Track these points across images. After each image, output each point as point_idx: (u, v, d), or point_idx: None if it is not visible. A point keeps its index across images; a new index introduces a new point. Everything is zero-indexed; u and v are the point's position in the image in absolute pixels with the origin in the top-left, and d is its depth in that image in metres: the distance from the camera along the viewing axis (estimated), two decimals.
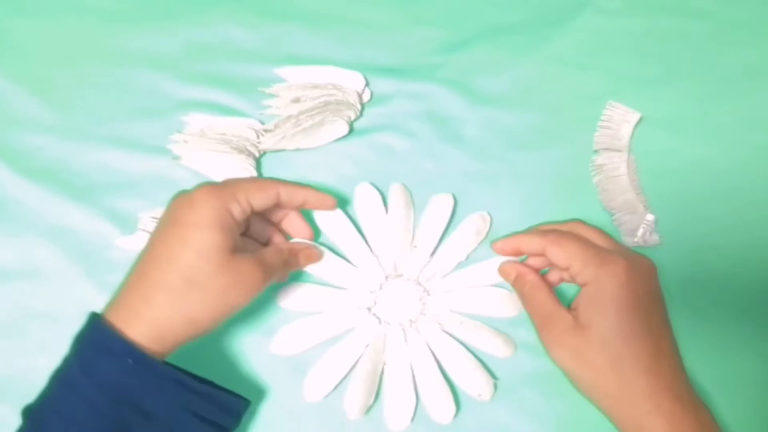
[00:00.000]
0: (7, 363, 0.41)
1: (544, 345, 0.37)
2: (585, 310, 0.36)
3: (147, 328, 0.33)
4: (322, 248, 0.43)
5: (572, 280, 0.38)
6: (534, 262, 0.42)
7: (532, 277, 0.40)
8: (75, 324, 0.40)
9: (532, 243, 0.40)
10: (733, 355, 0.42)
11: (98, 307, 0.40)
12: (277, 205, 0.40)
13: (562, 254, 0.37)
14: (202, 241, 0.34)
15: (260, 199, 0.38)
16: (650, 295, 0.37)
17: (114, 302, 0.35)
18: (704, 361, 0.41)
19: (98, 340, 0.33)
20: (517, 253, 0.41)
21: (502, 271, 0.41)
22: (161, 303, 0.34)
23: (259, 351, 0.42)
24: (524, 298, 0.40)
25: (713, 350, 0.42)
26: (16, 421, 0.37)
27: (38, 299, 0.42)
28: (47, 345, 0.37)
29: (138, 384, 0.33)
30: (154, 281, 0.34)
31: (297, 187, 0.40)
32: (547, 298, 0.38)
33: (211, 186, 0.37)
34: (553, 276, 0.42)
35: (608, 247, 0.38)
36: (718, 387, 0.41)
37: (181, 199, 0.37)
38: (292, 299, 0.43)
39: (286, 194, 0.39)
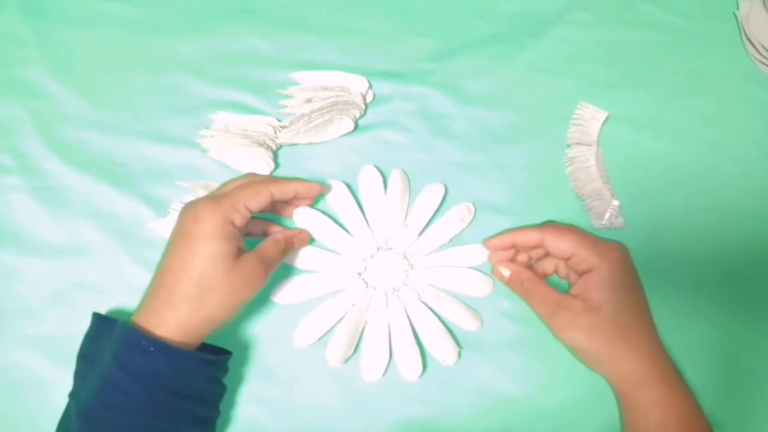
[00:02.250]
0: (59, 327, 0.44)
1: (555, 330, 0.38)
2: (594, 292, 0.37)
3: (173, 329, 0.36)
4: (315, 223, 0.44)
5: (573, 267, 0.39)
6: (522, 258, 0.42)
7: (528, 273, 0.40)
8: (116, 293, 0.44)
9: (529, 236, 0.40)
10: (689, 324, 0.46)
11: (135, 277, 0.44)
12: (273, 202, 0.41)
13: (565, 244, 0.38)
14: (209, 251, 0.36)
15: (257, 203, 0.39)
16: (636, 273, 0.39)
17: (143, 309, 0.37)
18: (663, 330, 0.43)
19: (128, 339, 0.36)
20: (512, 247, 0.42)
21: (495, 273, 0.42)
22: (182, 309, 0.36)
23: (260, 299, 0.44)
24: (525, 293, 0.40)
25: (670, 320, 0.44)
26: (65, 375, 0.39)
27: (85, 272, 0.45)
28: (91, 311, 0.40)
29: (166, 369, 0.35)
30: (174, 290, 0.36)
31: (287, 182, 0.41)
32: (549, 289, 0.39)
33: (212, 200, 0.38)
34: (546, 268, 0.42)
35: None
36: (675, 353, 0.44)
37: (188, 214, 0.38)
38: (294, 258, 0.45)
39: (278, 192, 0.41)
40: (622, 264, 0.38)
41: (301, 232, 0.44)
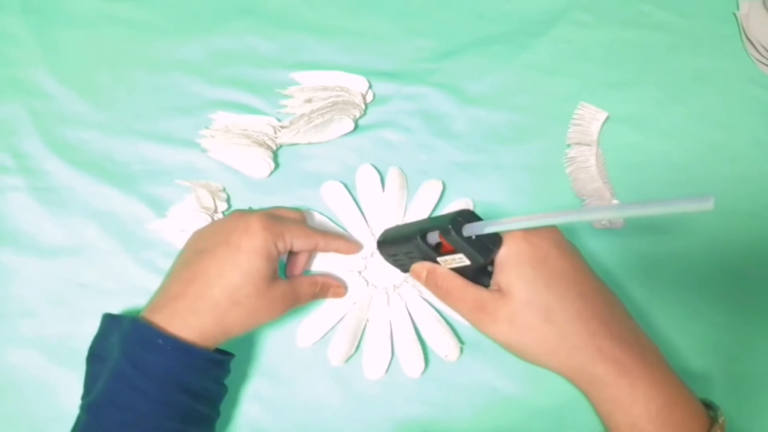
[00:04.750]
0: (57, 327, 0.43)
1: (481, 328, 0.34)
2: (502, 277, 0.33)
3: (192, 332, 0.35)
4: (344, 280, 0.44)
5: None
6: None
7: (442, 269, 0.36)
8: (116, 293, 0.44)
9: None
10: (689, 324, 0.45)
11: (135, 277, 0.44)
12: (313, 249, 0.42)
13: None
14: (250, 266, 0.36)
15: (300, 244, 0.40)
16: (558, 246, 0.34)
17: (161, 307, 0.36)
18: (662, 329, 0.45)
19: (141, 337, 0.35)
20: None
21: (413, 273, 0.38)
22: (208, 317, 0.36)
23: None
24: (443, 292, 0.36)
25: (670, 320, 0.45)
26: (65, 375, 0.40)
27: (84, 272, 0.45)
28: (91, 311, 0.40)
29: (181, 369, 0.35)
30: (205, 296, 0.36)
31: (332, 238, 0.42)
32: (466, 283, 0.35)
33: (266, 219, 0.38)
34: None
35: None
36: (675, 353, 0.44)
37: (238, 223, 0.38)
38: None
39: (323, 244, 0.42)
40: (525, 240, 0.33)
41: (340, 286, 0.44)
